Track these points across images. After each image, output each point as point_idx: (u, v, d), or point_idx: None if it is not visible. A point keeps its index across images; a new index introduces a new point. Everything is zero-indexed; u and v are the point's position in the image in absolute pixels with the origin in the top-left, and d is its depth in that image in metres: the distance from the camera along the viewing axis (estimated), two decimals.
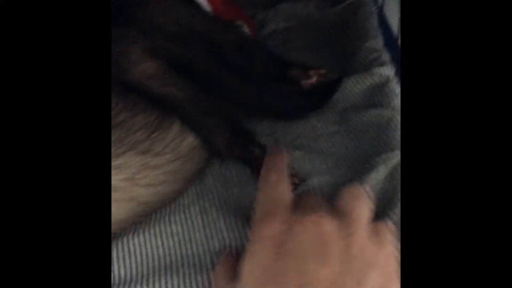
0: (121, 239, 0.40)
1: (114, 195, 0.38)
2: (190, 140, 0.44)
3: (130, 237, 0.40)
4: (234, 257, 0.34)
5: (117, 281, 0.38)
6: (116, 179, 0.38)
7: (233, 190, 0.44)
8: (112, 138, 0.39)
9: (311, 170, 0.44)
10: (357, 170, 0.43)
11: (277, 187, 0.32)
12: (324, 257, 0.27)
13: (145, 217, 0.42)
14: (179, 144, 0.43)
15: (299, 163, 0.45)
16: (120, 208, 0.39)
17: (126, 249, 0.40)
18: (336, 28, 0.62)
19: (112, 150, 0.39)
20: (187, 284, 0.37)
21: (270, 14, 0.67)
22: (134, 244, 0.40)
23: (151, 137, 0.41)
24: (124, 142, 0.40)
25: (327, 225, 0.28)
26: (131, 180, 0.39)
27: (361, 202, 0.32)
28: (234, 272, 0.31)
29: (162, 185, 0.41)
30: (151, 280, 0.37)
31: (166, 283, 0.37)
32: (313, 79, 0.52)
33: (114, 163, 0.39)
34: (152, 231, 0.41)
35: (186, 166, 0.43)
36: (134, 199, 0.40)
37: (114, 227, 0.40)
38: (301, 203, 0.31)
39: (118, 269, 0.39)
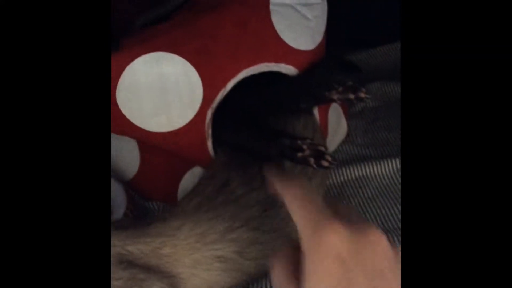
0: None
1: (224, 265, 0.43)
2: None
3: None
4: (292, 257, 0.32)
5: None
6: (228, 251, 0.43)
7: None
8: (229, 214, 0.44)
9: None
10: None
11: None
12: (389, 271, 0.28)
13: (246, 284, 0.46)
14: (286, 225, 0.45)
15: None
16: (227, 277, 0.43)
17: None
18: None
19: (228, 223, 0.43)
20: None
21: None
22: None
23: (263, 215, 0.45)
24: (239, 217, 0.44)
25: (384, 240, 0.29)
26: (240, 253, 0.43)
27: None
28: (293, 276, 0.31)
29: (265, 259, 0.44)
30: None
31: None
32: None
33: (229, 236, 0.43)
34: None
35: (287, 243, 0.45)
36: (240, 270, 0.44)
37: None
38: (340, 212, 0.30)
39: None
